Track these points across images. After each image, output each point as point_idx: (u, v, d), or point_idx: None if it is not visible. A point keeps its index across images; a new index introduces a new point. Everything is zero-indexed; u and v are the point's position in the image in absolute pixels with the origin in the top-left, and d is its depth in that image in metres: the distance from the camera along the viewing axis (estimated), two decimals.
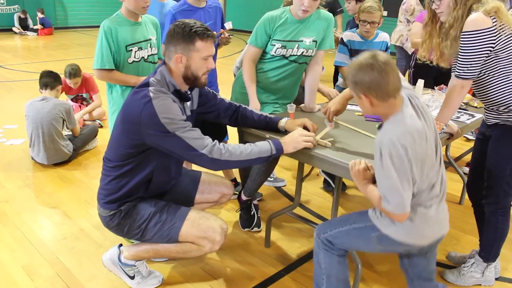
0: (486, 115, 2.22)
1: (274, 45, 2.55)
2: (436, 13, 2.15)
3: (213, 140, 1.98)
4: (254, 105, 2.62)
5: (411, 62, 4.18)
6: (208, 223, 2.10)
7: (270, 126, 2.27)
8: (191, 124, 1.98)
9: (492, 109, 2.15)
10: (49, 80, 3.96)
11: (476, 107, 2.96)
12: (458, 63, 2.05)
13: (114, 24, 2.54)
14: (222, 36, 3.04)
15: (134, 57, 2.62)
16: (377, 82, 1.56)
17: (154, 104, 1.88)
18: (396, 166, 1.55)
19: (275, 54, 2.58)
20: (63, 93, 4.79)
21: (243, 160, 2.00)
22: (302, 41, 2.57)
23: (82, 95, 4.90)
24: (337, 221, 1.92)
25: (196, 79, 2.03)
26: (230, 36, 3.14)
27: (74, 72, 4.65)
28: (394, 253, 2.06)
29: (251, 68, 2.64)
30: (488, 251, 2.35)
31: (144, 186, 2.12)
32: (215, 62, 3.19)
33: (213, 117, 2.34)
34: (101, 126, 4.82)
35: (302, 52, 2.60)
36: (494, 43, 1.98)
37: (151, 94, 1.91)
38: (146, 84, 1.97)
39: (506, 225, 2.27)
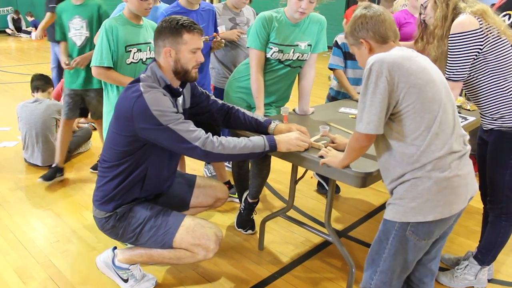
0: (482, 120, 2.23)
1: (271, 48, 2.53)
2: (425, 22, 2.19)
3: (207, 133, 1.99)
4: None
5: None
6: (203, 230, 2.09)
7: (260, 130, 2.27)
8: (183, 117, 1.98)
9: (485, 114, 2.17)
10: (40, 83, 3.96)
11: (469, 110, 2.97)
12: (447, 66, 2.08)
13: (115, 23, 2.59)
14: (215, 39, 3.04)
15: (133, 58, 2.63)
16: (374, 22, 1.67)
17: (145, 98, 1.89)
18: (377, 84, 1.54)
19: (271, 58, 2.56)
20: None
21: (236, 154, 2.00)
22: (297, 45, 2.57)
23: None
24: (370, 263, 1.73)
25: (186, 73, 2.04)
26: (223, 40, 3.14)
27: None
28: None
29: (260, 77, 2.54)
30: (486, 255, 2.35)
31: (139, 185, 2.11)
32: (208, 64, 3.21)
33: (206, 118, 2.34)
34: (95, 129, 4.79)
35: (298, 57, 2.60)
36: (481, 45, 2.00)
37: (142, 89, 1.92)
38: (137, 80, 1.99)
39: (509, 231, 2.28)
